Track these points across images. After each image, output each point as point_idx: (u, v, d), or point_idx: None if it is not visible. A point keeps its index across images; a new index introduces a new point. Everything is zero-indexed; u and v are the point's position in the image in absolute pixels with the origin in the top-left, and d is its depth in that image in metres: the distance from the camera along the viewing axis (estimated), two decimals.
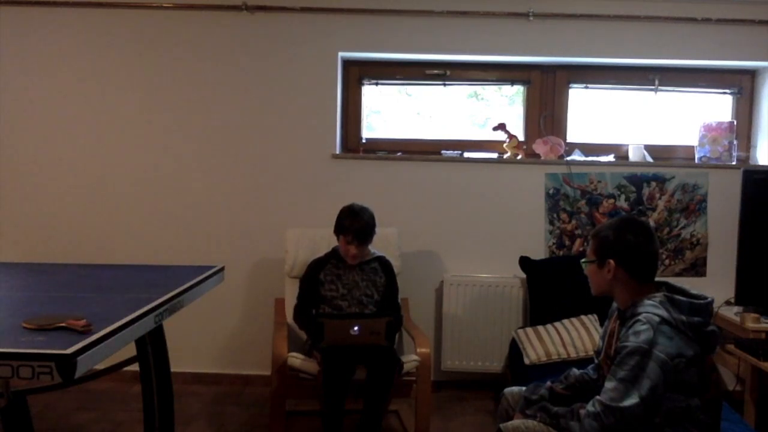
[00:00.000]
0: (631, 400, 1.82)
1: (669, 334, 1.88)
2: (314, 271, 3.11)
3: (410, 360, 2.96)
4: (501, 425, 2.10)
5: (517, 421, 2.09)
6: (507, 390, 2.31)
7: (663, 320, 1.89)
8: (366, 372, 2.82)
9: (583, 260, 2.10)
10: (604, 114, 4.00)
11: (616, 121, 3.98)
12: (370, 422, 2.82)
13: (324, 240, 3.45)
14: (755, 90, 3.92)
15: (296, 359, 2.93)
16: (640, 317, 1.91)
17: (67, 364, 1.50)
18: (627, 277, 2.01)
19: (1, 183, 3.81)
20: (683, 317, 1.92)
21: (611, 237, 2.03)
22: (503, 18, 3.70)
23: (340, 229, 3.06)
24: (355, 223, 3.01)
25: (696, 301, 1.97)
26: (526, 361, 3.27)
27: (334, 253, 3.14)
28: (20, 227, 3.81)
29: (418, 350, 3.00)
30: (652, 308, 1.92)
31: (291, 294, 3.38)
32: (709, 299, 2.01)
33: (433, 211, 3.78)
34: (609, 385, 1.88)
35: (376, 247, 3.24)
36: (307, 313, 3.09)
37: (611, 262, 2.01)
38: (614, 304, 2.16)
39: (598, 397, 1.89)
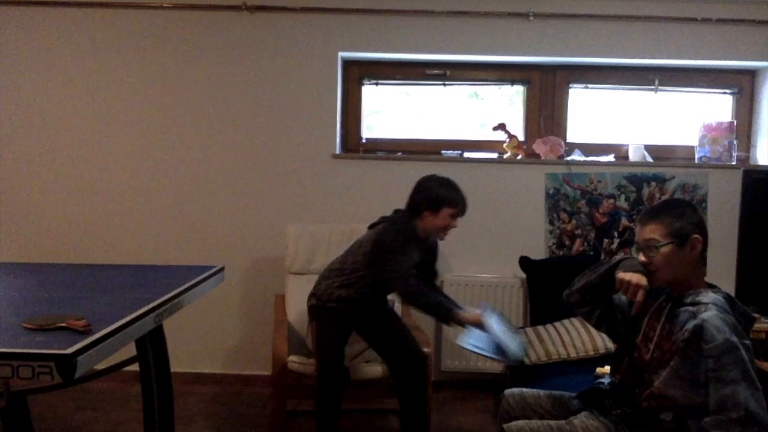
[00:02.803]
0: (761, 401, 1.77)
1: (739, 328, 1.85)
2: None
3: None
4: (504, 425, 2.09)
5: (521, 422, 2.08)
6: (507, 391, 2.29)
7: (728, 313, 1.87)
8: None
9: (659, 245, 1.92)
10: (604, 114, 4.00)
11: (616, 121, 3.98)
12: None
13: (324, 236, 3.46)
14: (755, 90, 3.92)
15: (295, 363, 2.93)
16: (709, 305, 1.86)
17: (67, 364, 1.50)
18: (699, 256, 1.95)
19: (1, 183, 3.80)
20: (739, 317, 1.90)
21: (685, 212, 1.95)
22: (503, 18, 3.70)
23: (445, 202, 2.71)
24: (462, 195, 2.76)
25: (745, 308, 1.96)
26: (527, 361, 3.27)
27: (412, 232, 2.81)
28: (20, 227, 3.81)
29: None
30: (717, 301, 1.89)
31: (292, 290, 3.39)
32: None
33: None
34: (720, 392, 1.78)
35: None
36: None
37: (697, 237, 1.93)
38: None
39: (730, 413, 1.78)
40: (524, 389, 2.28)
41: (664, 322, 1.97)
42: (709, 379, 1.79)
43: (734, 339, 1.79)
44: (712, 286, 1.99)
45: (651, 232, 1.95)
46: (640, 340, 2.05)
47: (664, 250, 1.93)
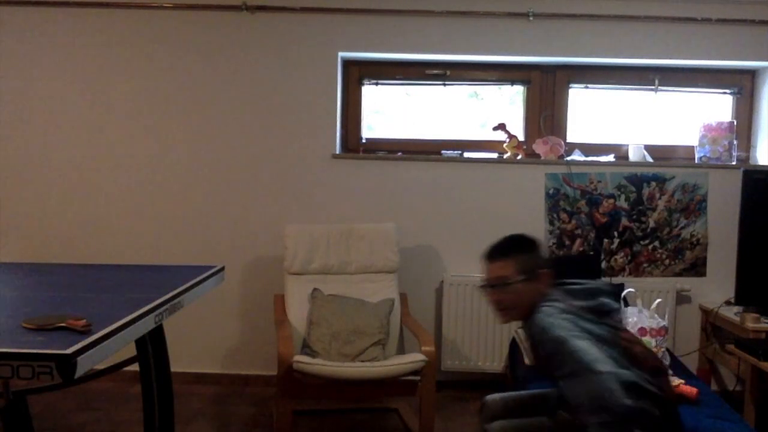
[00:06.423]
0: (602, 384, 1.72)
1: (570, 318, 1.85)
2: None
3: (417, 360, 2.95)
4: (486, 426, 2.12)
5: (503, 421, 2.10)
6: (489, 397, 2.29)
7: (560, 310, 1.88)
8: None
9: (509, 282, 1.98)
10: (604, 114, 4.00)
11: (616, 121, 3.98)
12: None
13: (323, 237, 3.46)
14: (755, 90, 3.92)
15: (300, 363, 2.92)
16: (537, 314, 1.90)
17: (67, 364, 1.50)
18: (547, 286, 2.00)
19: (1, 183, 3.80)
20: (582, 303, 1.92)
21: (532, 248, 2.04)
22: (503, 18, 3.70)
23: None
24: None
25: (589, 285, 1.99)
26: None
27: None
28: (20, 227, 3.81)
29: (423, 348, 2.98)
30: (545, 307, 1.92)
31: (291, 291, 3.39)
32: (599, 281, 2.01)
33: (433, 211, 3.78)
34: (565, 390, 1.79)
35: (373, 245, 3.22)
36: None
37: (546, 272, 2.00)
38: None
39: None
40: (504, 394, 2.29)
41: (534, 349, 2.01)
42: (556, 380, 1.82)
43: (557, 333, 1.79)
44: (551, 298, 1.98)
45: (501, 269, 2.01)
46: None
47: (516, 286, 1.98)
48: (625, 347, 1.91)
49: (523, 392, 2.29)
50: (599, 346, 1.78)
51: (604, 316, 1.93)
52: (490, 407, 2.24)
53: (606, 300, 1.98)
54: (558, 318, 1.84)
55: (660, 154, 3.89)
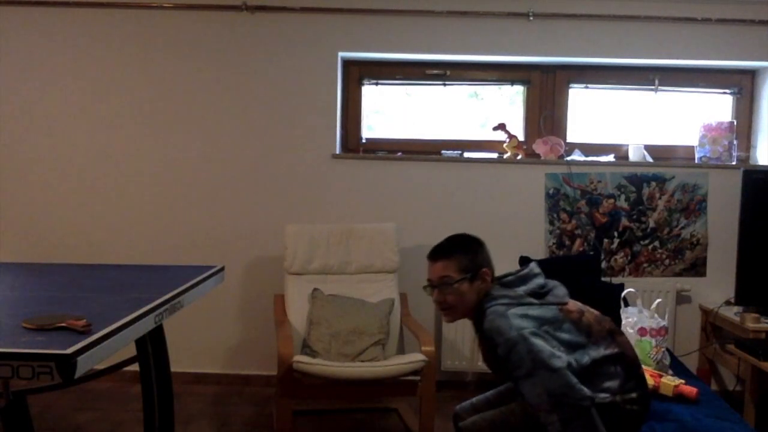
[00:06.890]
0: (562, 380, 1.79)
1: (519, 312, 1.90)
2: None
3: (417, 360, 2.94)
4: (460, 424, 2.15)
5: (475, 417, 2.12)
6: (459, 407, 2.31)
7: (506, 305, 1.91)
8: None
9: (453, 281, 2.02)
10: (604, 114, 4.00)
11: (616, 121, 3.98)
12: None
13: (323, 237, 3.46)
14: (755, 90, 3.92)
15: (300, 363, 2.92)
16: (486, 314, 1.93)
17: (67, 364, 1.50)
18: (489, 284, 2.05)
19: (1, 183, 3.81)
20: (521, 290, 1.96)
21: (472, 248, 2.07)
22: (503, 18, 3.70)
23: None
24: None
25: (520, 272, 2.04)
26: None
27: None
28: (20, 227, 3.81)
29: (423, 348, 2.98)
30: (492, 306, 1.94)
31: (292, 291, 3.39)
32: (529, 265, 2.07)
33: (433, 211, 3.78)
34: (524, 390, 1.84)
35: (373, 245, 3.21)
36: None
37: (486, 270, 2.04)
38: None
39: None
40: (473, 399, 2.31)
41: (483, 346, 2.04)
42: (514, 380, 1.87)
43: (511, 335, 1.83)
44: (493, 296, 2.02)
45: (444, 269, 2.03)
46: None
47: (458, 285, 2.01)
48: (575, 320, 1.96)
49: (489, 392, 2.31)
50: (552, 335, 1.86)
51: (545, 296, 1.98)
52: (462, 416, 2.26)
53: (540, 281, 2.03)
54: (509, 317, 1.88)
55: (660, 154, 3.89)
